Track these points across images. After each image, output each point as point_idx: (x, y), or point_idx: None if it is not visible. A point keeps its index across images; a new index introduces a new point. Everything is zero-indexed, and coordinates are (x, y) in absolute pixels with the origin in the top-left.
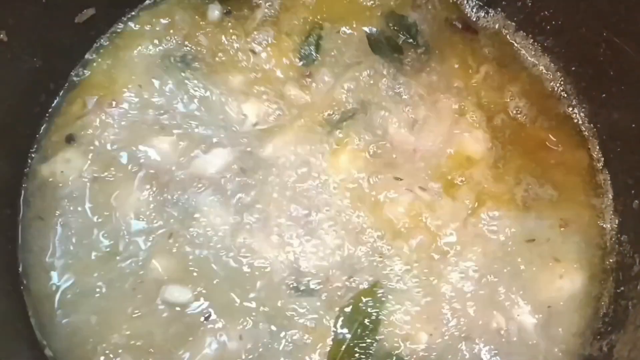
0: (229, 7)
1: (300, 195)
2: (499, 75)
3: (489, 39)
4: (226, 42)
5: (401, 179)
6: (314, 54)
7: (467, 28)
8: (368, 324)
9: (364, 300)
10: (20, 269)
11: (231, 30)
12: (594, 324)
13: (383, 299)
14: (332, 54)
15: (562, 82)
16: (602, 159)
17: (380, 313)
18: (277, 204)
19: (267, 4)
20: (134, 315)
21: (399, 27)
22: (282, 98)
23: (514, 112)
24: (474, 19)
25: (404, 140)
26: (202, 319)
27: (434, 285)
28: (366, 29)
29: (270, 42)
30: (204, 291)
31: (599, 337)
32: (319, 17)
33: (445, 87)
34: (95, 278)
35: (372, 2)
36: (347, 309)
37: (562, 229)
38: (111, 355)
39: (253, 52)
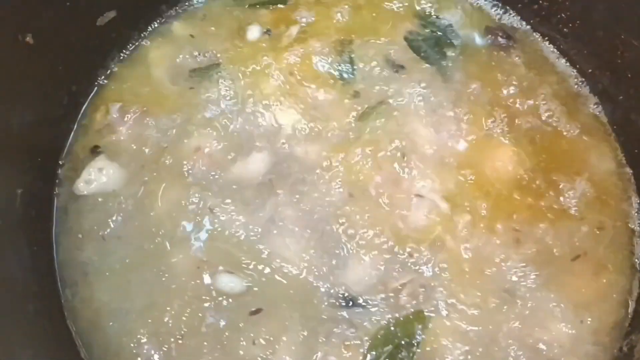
0: (269, 27)
1: (333, 205)
2: (528, 80)
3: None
4: (262, 59)
5: (435, 194)
6: (350, 69)
7: (507, 37)
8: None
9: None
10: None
11: (264, 45)
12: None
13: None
14: (367, 67)
15: (581, 84)
16: (624, 159)
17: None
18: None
19: (303, 19)
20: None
21: (434, 29)
22: (315, 109)
23: (545, 116)
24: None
25: (434, 147)
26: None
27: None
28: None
29: (303, 57)
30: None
31: (620, 337)
32: (351, 35)
33: (478, 92)
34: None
35: (400, 6)
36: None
37: (597, 231)
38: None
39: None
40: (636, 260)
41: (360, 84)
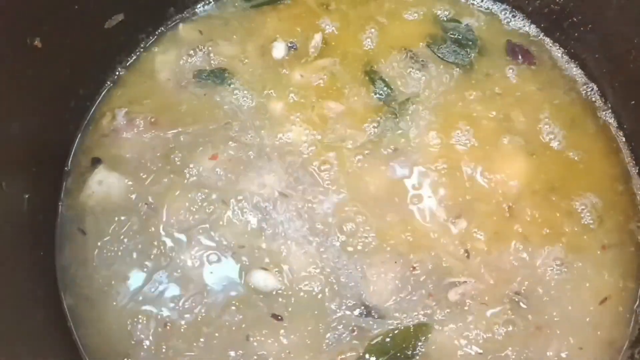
0: (294, 40)
1: (348, 219)
2: (538, 89)
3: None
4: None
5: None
6: (384, 90)
7: (525, 54)
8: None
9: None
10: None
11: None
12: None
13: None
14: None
15: (591, 90)
16: (635, 165)
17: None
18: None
19: (328, 27)
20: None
21: (455, 32)
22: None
23: (548, 136)
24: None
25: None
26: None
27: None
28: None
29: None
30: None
31: (630, 345)
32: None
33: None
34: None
35: (415, 15)
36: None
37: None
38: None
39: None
40: None
41: (385, 99)
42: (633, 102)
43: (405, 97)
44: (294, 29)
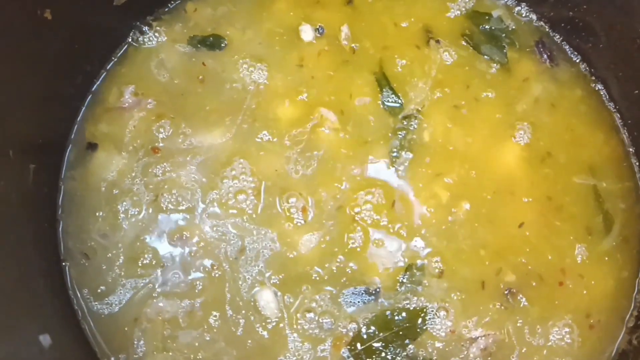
0: (321, 24)
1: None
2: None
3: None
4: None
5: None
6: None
7: (550, 56)
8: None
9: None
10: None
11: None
12: (625, 318)
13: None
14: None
15: (594, 80)
16: (633, 150)
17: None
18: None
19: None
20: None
21: (488, 25)
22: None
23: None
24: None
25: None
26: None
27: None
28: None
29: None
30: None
31: (629, 330)
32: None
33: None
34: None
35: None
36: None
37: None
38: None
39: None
40: None
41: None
42: (637, 91)
43: None
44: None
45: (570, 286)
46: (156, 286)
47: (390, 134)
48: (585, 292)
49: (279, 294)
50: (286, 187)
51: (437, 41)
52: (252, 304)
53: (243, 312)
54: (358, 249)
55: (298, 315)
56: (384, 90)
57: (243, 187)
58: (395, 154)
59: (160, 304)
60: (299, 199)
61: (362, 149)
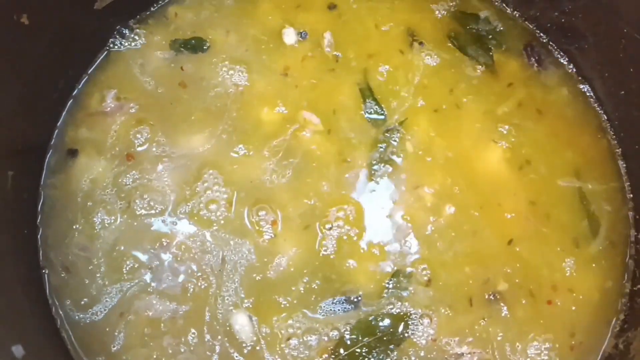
0: (304, 30)
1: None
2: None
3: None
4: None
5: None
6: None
7: (538, 60)
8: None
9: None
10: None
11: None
12: (611, 322)
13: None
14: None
15: (580, 81)
16: (620, 151)
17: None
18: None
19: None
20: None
21: (475, 25)
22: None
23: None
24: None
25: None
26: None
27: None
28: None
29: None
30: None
31: (615, 334)
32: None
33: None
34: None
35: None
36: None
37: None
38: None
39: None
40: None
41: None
42: (623, 92)
43: None
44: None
45: (559, 304)
46: (151, 283)
47: (372, 146)
48: (574, 308)
49: (255, 318)
50: (260, 199)
51: (421, 43)
52: (227, 328)
53: (219, 337)
54: (332, 257)
55: (282, 345)
56: (367, 101)
57: (216, 197)
58: (375, 166)
59: (154, 301)
60: (269, 212)
61: (342, 159)
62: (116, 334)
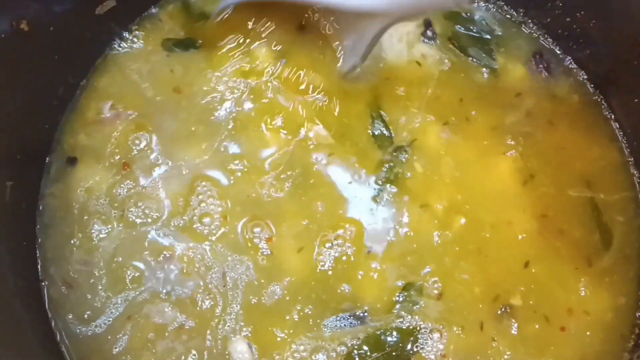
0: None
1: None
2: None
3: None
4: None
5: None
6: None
7: (547, 68)
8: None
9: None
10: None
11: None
12: (625, 338)
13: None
14: None
15: (592, 88)
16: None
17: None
18: None
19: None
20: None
21: (469, 25)
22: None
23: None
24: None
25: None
26: None
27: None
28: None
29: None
30: None
31: (629, 349)
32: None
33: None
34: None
35: None
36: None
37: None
38: None
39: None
40: None
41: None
42: (637, 100)
43: None
44: None
45: (573, 331)
46: (162, 290)
47: (379, 165)
48: (588, 333)
49: (254, 347)
50: (257, 215)
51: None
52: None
53: None
54: (329, 273)
55: None
56: (375, 122)
57: (210, 210)
58: (380, 187)
59: (166, 309)
60: (264, 229)
61: (346, 176)
62: (119, 335)
